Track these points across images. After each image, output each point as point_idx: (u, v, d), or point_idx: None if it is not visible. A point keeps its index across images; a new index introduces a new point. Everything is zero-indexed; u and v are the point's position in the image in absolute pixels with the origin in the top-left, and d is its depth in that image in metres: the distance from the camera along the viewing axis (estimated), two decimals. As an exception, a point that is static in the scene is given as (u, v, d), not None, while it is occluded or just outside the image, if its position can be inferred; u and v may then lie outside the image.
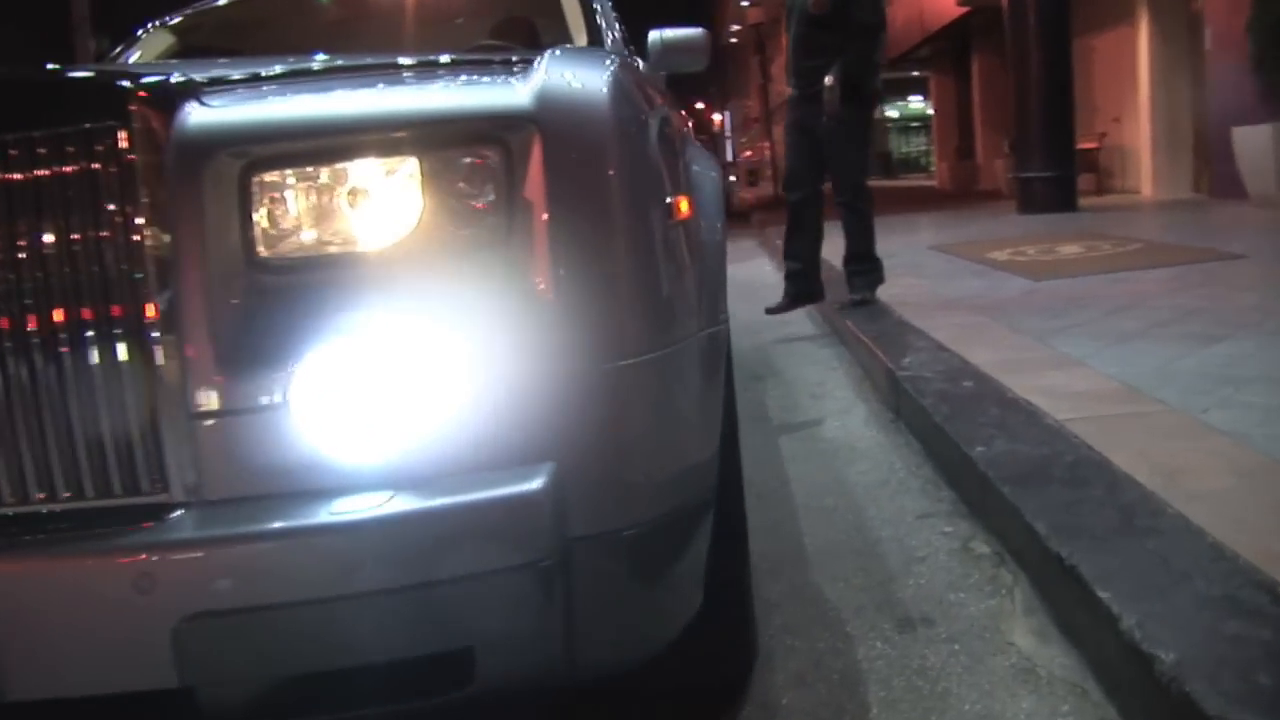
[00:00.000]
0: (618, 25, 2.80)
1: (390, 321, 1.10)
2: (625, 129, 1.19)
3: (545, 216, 1.12)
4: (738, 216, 16.86)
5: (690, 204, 1.33)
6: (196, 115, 1.10)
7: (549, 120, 1.12)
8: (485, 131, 1.12)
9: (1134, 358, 3.07)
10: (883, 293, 4.75)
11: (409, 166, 1.11)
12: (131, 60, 2.57)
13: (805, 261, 4.74)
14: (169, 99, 1.10)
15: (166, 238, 1.08)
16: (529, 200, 1.12)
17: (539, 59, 1.22)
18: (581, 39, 2.56)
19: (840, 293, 4.79)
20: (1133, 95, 11.77)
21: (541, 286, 1.12)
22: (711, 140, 32.68)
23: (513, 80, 1.15)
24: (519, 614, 1.10)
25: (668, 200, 1.24)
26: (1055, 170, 9.64)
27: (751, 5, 30.26)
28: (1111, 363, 3.02)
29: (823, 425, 3.28)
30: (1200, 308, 3.84)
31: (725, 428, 1.38)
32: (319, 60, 1.32)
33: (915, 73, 26.33)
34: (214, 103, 1.12)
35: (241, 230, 1.10)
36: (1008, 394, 2.72)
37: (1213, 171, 9.78)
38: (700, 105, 44.36)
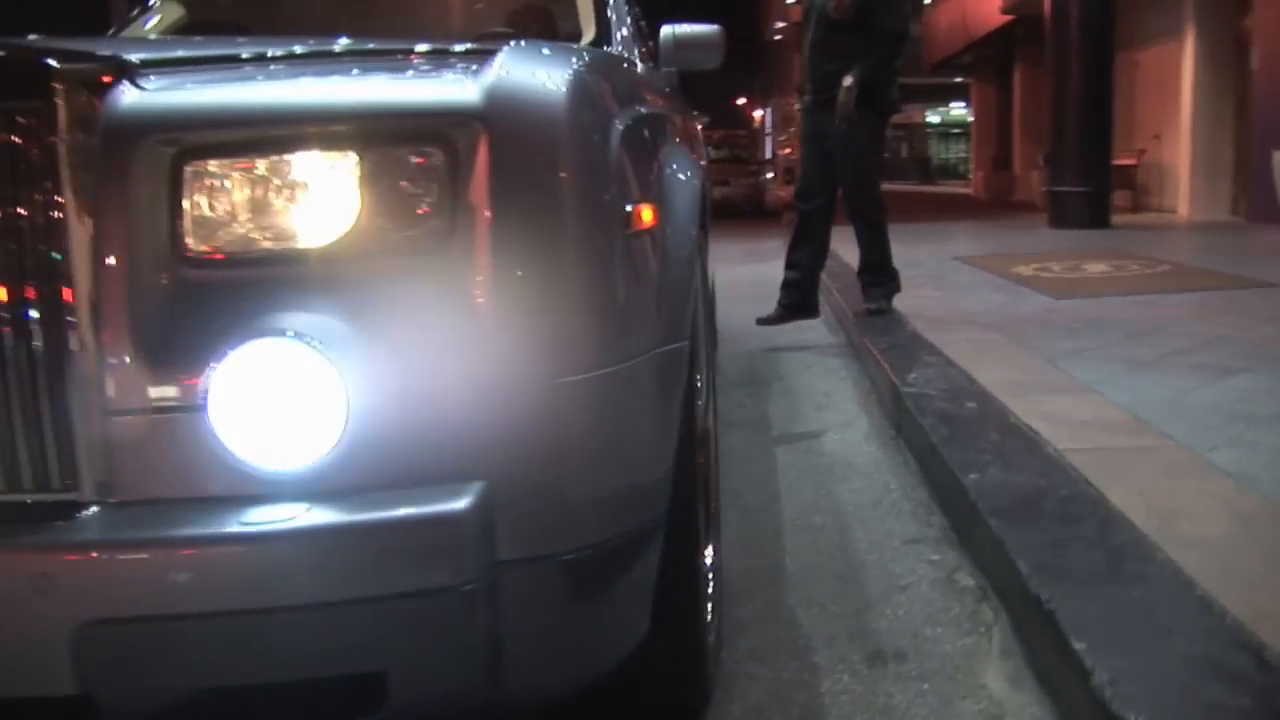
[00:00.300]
0: (630, 19, 2.73)
1: (319, 324, 1.04)
2: (580, 131, 1.12)
3: (489, 222, 1.05)
4: (770, 215, 16.74)
5: (656, 212, 1.26)
6: (128, 98, 1.04)
7: (497, 119, 1.06)
8: (429, 129, 1.05)
9: (1146, 386, 2.98)
10: (900, 303, 4.66)
11: (348, 162, 1.05)
12: (127, 32, 2.52)
13: (804, 273, 4.61)
14: (99, 79, 1.04)
15: (90, 223, 1.03)
16: (473, 204, 1.05)
17: (498, 53, 1.15)
18: (590, 31, 2.50)
19: (859, 301, 4.70)
20: (1174, 113, 11.55)
21: (481, 296, 1.06)
22: (750, 137, 32.46)
23: (464, 75, 1.08)
24: (437, 639, 1.04)
25: (626, 208, 1.17)
26: (1089, 185, 9.47)
27: (795, 3, 30.05)
28: (1122, 390, 2.92)
29: (822, 438, 3.20)
30: (1221, 337, 3.73)
31: (684, 447, 1.31)
32: (274, 44, 1.26)
33: (958, 79, 26.03)
34: (149, 85, 1.06)
35: (170, 220, 1.05)
36: (1010, 418, 2.63)
37: (1251, 195, 9.58)
38: (742, 101, 44.11)
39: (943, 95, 33.07)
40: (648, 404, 1.19)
